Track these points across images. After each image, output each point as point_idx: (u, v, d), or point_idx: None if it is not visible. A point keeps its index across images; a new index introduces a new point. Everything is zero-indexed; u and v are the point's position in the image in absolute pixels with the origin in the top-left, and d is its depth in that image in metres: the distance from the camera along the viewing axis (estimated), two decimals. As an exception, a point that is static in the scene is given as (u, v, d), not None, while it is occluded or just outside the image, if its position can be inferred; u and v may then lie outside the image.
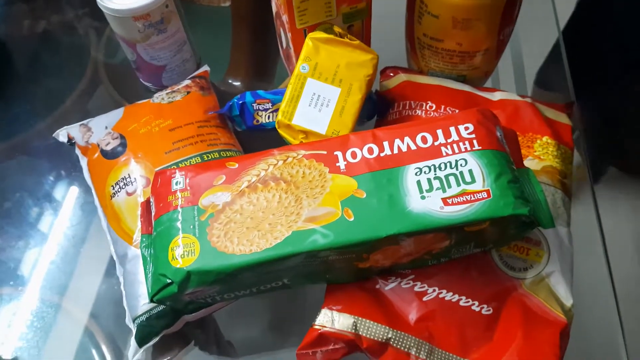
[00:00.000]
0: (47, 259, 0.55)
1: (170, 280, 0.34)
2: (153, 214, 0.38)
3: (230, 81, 0.66)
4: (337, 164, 0.37)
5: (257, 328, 0.50)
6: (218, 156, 0.49)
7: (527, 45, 0.63)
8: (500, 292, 0.40)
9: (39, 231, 0.58)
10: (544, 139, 0.48)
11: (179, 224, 0.36)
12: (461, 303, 0.40)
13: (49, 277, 0.54)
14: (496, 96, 0.51)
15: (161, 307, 0.41)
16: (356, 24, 0.51)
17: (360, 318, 0.38)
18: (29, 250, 0.56)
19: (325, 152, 0.38)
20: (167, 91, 0.54)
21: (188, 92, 0.53)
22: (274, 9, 0.54)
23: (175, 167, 0.47)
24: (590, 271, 0.49)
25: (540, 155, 0.47)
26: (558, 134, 0.49)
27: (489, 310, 0.40)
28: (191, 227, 0.36)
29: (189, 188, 0.38)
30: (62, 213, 0.58)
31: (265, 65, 0.67)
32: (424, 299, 0.40)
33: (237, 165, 0.38)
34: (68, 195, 0.60)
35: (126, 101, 0.63)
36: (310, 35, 0.46)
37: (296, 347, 0.38)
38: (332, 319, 0.38)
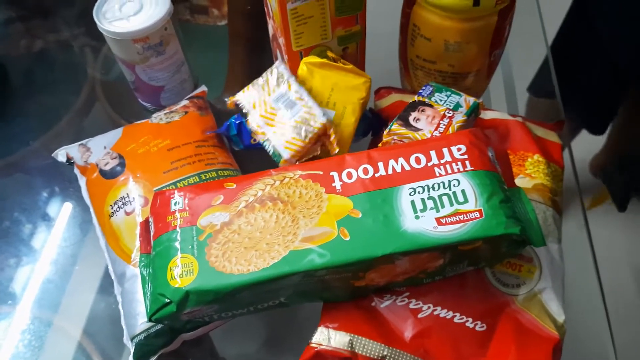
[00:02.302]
0: (43, 277, 0.55)
1: (169, 300, 0.35)
2: (152, 233, 0.39)
3: (226, 99, 0.67)
4: (333, 184, 0.38)
5: (253, 345, 0.51)
6: (216, 175, 0.49)
7: (518, 65, 0.64)
8: (493, 309, 0.41)
9: (35, 249, 0.58)
10: (535, 157, 0.49)
11: (177, 244, 0.37)
12: (455, 320, 0.40)
13: (44, 296, 0.54)
14: (488, 115, 0.52)
15: (159, 325, 0.41)
16: (351, 46, 0.52)
17: (356, 336, 0.39)
18: (25, 269, 0.56)
19: (321, 173, 0.39)
20: (166, 111, 0.55)
21: (186, 112, 0.54)
22: (271, 32, 0.55)
23: (173, 186, 0.47)
24: (582, 287, 0.50)
25: (531, 173, 0.48)
26: (548, 153, 0.50)
27: (483, 326, 0.40)
28: (190, 247, 0.36)
29: (187, 208, 0.38)
30: (58, 231, 0.59)
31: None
32: (419, 316, 0.40)
33: (235, 186, 0.39)
34: (64, 214, 0.60)
35: (123, 119, 0.64)
36: (305, 60, 0.48)
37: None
38: (328, 337, 0.39)
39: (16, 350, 0.51)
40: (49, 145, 0.54)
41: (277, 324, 0.52)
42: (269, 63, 0.62)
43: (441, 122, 0.44)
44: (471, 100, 0.46)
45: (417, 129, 0.45)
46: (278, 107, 0.45)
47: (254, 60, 0.68)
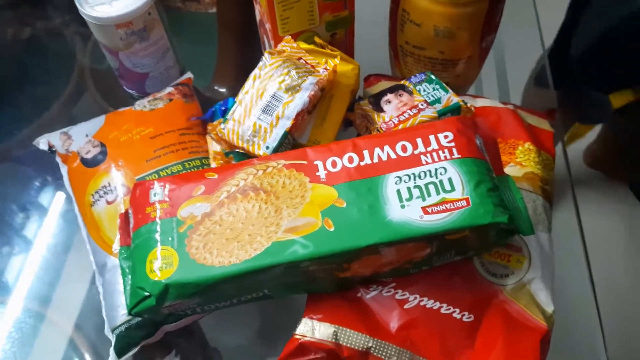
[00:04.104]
0: (30, 268, 0.55)
1: (148, 293, 0.34)
2: (131, 225, 0.38)
3: (216, 88, 0.66)
4: (317, 174, 0.37)
5: (245, 335, 0.50)
6: (200, 164, 0.48)
7: (510, 52, 0.63)
8: (481, 299, 0.40)
9: (22, 239, 0.57)
10: (526, 145, 0.48)
11: (157, 236, 0.36)
12: (442, 310, 0.40)
13: (32, 287, 0.54)
14: (478, 103, 0.51)
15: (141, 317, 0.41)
16: (339, 32, 0.51)
17: (340, 327, 0.38)
18: (12, 259, 0.56)
19: (305, 162, 0.38)
20: (149, 99, 0.53)
21: (170, 100, 0.53)
22: (258, 17, 0.54)
23: (156, 175, 0.46)
24: (572, 277, 0.49)
25: (521, 161, 0.47)
26: (539, 141, 0.49)
27: (470, 317, 0.40)
28: (170, 239, 0.36)
29: (167, 199, 0.37)
30: (46, 221, 0.58)
31: (251, 71, 0.67)
32: (405, 306, 0.39)
33: (216, 176, 0.38)
34: (53, 203, 0.59)
35: (112, 108, 0.63)
36: None
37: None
38: (312, 329, 0.38)
39: (6, 343, 0.50)
40: (38, 134, 0.53)
41: (269, 313, 0.51)
42: (259, 51, 0.61)
43: (408, 111, 0.43)
44: (454, 100, 0.44)
45: (382, 110, 0.44)
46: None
47: (243, 48, 0.67)
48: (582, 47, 0.67)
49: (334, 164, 0.37)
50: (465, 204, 0.35)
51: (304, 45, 0.46)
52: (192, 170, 0.47)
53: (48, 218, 0.58)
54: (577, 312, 0.48)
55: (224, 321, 0.50)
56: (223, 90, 0.65)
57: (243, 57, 0.67)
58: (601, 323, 0.46)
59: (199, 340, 0.50)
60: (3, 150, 0.64)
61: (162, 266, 0.35)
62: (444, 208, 0.35)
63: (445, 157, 0.37)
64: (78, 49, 0.71)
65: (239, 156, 0.43)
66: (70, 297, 0.52)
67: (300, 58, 0.44)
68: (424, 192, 0.35)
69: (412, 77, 0.47)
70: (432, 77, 0.46)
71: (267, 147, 0.39)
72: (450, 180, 0.36)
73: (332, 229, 0.35)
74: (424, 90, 0.45)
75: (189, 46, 0.69)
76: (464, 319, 0.39)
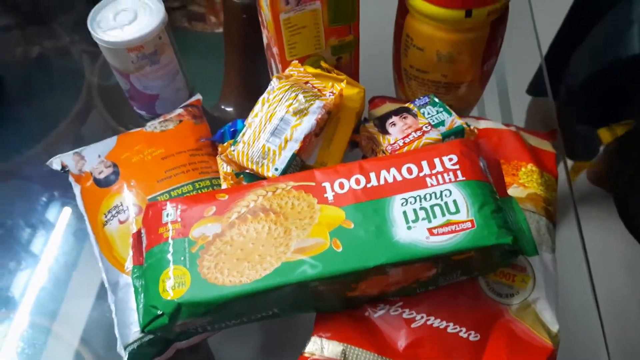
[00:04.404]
0: (41, 284, 0.55)
1: (161, 312, 0.35)
2: (144, 245, 0.39)
3: (223, 107, 0.67)
4: (325, 195, 0.38)
5: (251, 351, 0.51)
6: (209, 184, 0.50)
7: (512, 74, 0.64)
8: (487, 318, 0.41)
9: (29, 255, 0.58)
10: (529, 166, 0.49)
11: (169, 256, 0.37)
12: (449, 330, 0.40)
13: (40, 302, 0.54)
14: (481, 125, 0.52)
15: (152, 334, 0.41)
16: (344, 56, 0.52)
17: (349, 345, 0.39)
18: (23, 275, 0.56)
19: (313, 184, 0.39)
20: (160, 120, 0.55)
21: (180, 121, 0.54)
22: (265, 41, 0.56)
23: (167, 195, 0.47)
24: (576, 296, 0.50)
25: (524, 182, 0.48)
26: (542, 162, 0.50)
27: (477, 336, 0.40)
28: (182, 258, 0.36)
29: (179, 220, 0.38)
30: (52, 237, 0.59)
31: (257, 91, 0.68)
32: (413, 325, 0.40)
33: (227, 197, 0.39)
34: (61, 221, 0.60)
35: (120, 126, 0.64)
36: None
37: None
38: (321, 347, 0.39)
39: (14, 356, 0.51)
40: (46, 152, 0.54)
41: (275, 330, 0.52)
42: (266, 71, 0.62)
43: (413, 133, 0.45)
44: (457, 122, 0.45)
45: (387, 133, 0.45)
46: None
47: (249, 68, 0.68)
48: (573, 86, 0.69)
49: (341, 186, 0.38)
50: (470, 226, 0.36)
51: (310, 70, 0.47)
52: (202, 190, 0.49)
53: (54, 234, 0.59)
54: (581, 330, 0.48)
55: (231, 337, 0.50)
56: (230, 109, 0.67)
57: (249, 77, 0.68)
58: (606, 341, 0.47)
59: (207, 356, 0.50)
60: (12, 167, 0.65)
61: (174, 285, 0.35)
62: (450, 230, 0.36)
63: (450, 179, 0.38)
64: (86, 68, 0.72)
65: (249, 177, 0.44)
66: (77, 312, 0.53)
67: (307, 82, 0.45)
68: (429, 213, 0.36)
69: (417, 100, 0.48)
70: (436, 100, 0.47)
71: (276, 169, 0.41)
72: (455, 202, 0.37)
73: (340, 250, 0.36)
74: (428, 113, 0.46)
75: (195, 65, 0.70)
76: (470, 338, 0.40)
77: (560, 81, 0.71)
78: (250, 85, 0.69)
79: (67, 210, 0.60)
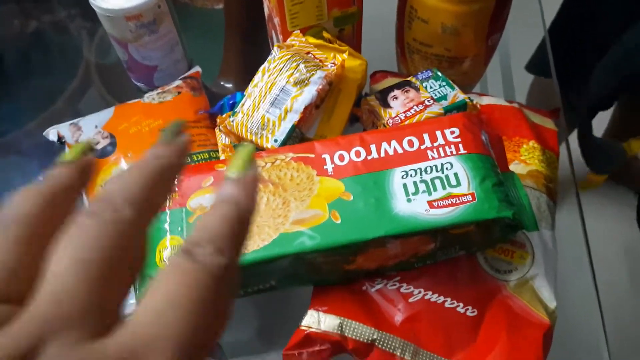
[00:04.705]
0: None
1: (157, 281, 0.35)
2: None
3: (222, 83, 0.66)
4: (325, 167, 0.37)
5: (247, 328, 0.51)
6: (207, 157, 0.49)
7: (516, 51, 0.63)
8: (485, 294, 0.41)
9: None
10: (530, 143, 0.49)
11: (166, 226, 0.36)
12: (446, 304, 0.40)
13: None
14: (484, 101, 0.52)
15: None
16: (347, 28, 0.51)
17: (346, 319, 0.39)
18: None
19: (313, 155, 0.38)
20: (158, 91, 0.54)
21: (179, 93, 0.54)
22: (266, 12, 0.54)
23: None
24: (574, 274, 0.50)
25: (526, 159, 0.48)
26: (544, 139, 0.50)
27: (474, 311, 0.40)
28: (179, 229, 0.36)
29: (177, 190, 0.38)
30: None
31: (257, 67, 0.68)
32: (410, 300, 0.40)
33: (225, 168, 0.38)
34: None
35: (118, 102, 0.63)
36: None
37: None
38: (318, 320, 0.39)
39: None
40: (44, 127, 0.53)
41: (270, 307, 0.52)
42: (265, 46, 0.61)
43: (415, 107, 0.44)
44: (460, 97, 0.45)
45: (388, 106, 0.45)
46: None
47: (249, 44, 0.67)
48: (594, 100, 0.68)
49: (341, 158, 0.38)
50: (471, 199, 0.35)
51: (312, 40, 0.46)
52: (201, 162, 0.48)
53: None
54: (579, 308, 0.48)
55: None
56: (229, 85, 0.66)
57: (249, 53, 0.67)
58: (603, 320, 0.47)
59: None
60: (9, 142, 0.65)
61: (171, 255, 0.35)
62: (450, 202, 0.35)
63: (451, 152, 0.37)
64: (84, 43, 0.71)
65: None
66: None
67: (309, 52, 0.44)
68: (430, 186, 0.36)
69: (419, 73, 0.47)
70: (439, 74, 0.47)
71: (275, 140, 0.40)
72: (456, 175, 0.36)
73: (338, 222, 0.35)
74: (431, 87, 0.46)
75: (196, 42, 0.69)
76: (468, 313, 0.40)
77: (567, 70, 0.70)
78: (250, 61, 0.68)
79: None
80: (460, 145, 0.37)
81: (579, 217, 0.53)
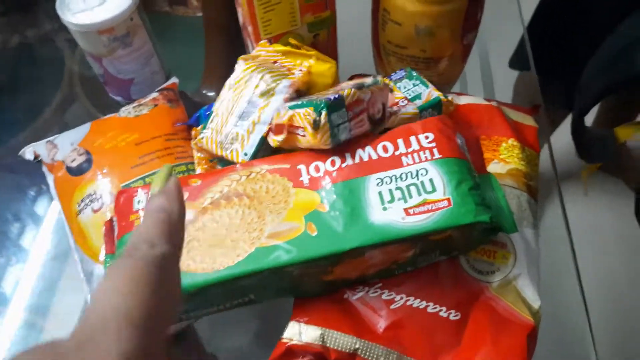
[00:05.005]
0: (26, 278, 0.54)
1: (133, 301, 0.34)
2: (116, 233, 0.38)
3: (204, 91, 0.66)
4: (301, 178, 0.37)
5: (239, 338, 0.50)
6: (185, 169, 0.48)
7: (495, 48, 0.63)
8: (468, 297, 0.41)
9: (16, 248, 0.57)
10: (510, 141, 0.48)
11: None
12: (429, 309, 0.40)
13: (29, 297, 0.53)
14: (462, 100, 0.51)
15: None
16: (322, 33, 0.51)
17: (327, 329, 0.38)
18: (13, 270, 0.55)
19: (288, 166, 0.38)
20: (134, 105, 0.53)
21: (155, 105, 0.53)
22: (241, 20, 0.54)
23: (142, 182, 0.46)
24: (559, 271, 0.50)
25: (505, 158, 0.47)
26: (523, 137, 0.50)
27: (457, 315, 0.40)
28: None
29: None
30: (40, 230, 0.58)
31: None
32: (392, 307, 0.40)
33: (200, 182, 0.38)
34: (48, 212, 0.59)
35: (101, 114, 0.63)
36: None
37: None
38: (299, 332, 0.38)
39: (4, 356, 0.50)
40: (28, 142, 0.53)
41: (263, 316, 0.51)
42: (245, 53, 0.61)
43: (389, 109, 0.43)
44: (434, 94, 0.44)
45: None
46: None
47: (230, 50, 0.67)
48: (585, 102, 0.67)
49: (317, 169, 0.37)
50: (447, 204, 0.35)
51: (279, 48, 0.46)
52: (178, 175, 0.47)
53: (42, 226, 0.58)
54: (564, 306, 0.48)
55: (217, 324, 0.50)
56: (212, 93, 0.65)
57: (230, 60, 0.66)
58: (588, 317, 0.47)
59: (193, 344, 0.50)
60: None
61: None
62: (426, 209, 0.35)
63: (426, 157, 0.37)
64: (67, 56, 0.70)
65: (223, 161, 0.43)
66: (69, 308, 0.52)
67: (276, 61, 0.44)
68: (405, 193, 0.35)
69: (393, 74, 0.47)
70: (413, 73, 0.46)
71: (246, 154, 0.39)
72: (431, 180, 0.36)
73: (315, 234, 0.35)
74: (404, 87, 0.45)
75: (179, 50, 0.69)
76: (451, 317, 0.40)
77: (555, 72, 0.69)
78: (232, 67, 0.67)
79: (54, 201, 0.59)
80: (435, 150, 0.37)
81: (560, 210, 0.53)
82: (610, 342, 0.91)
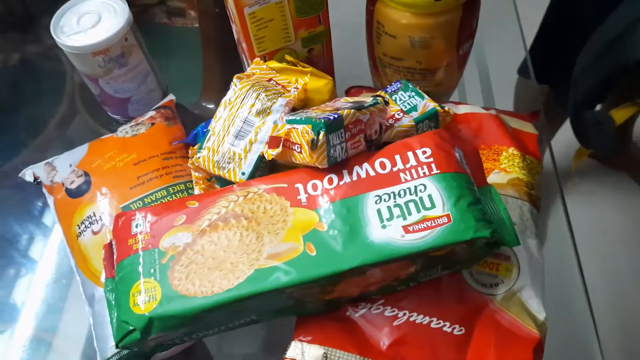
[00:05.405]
0: (37, 296, 0.54)
1: (132, 327, 0.34)
2: (115, 257, 0.38)
3: (204, 104, 0.65)
4: (298, 197, 0.37)
5: (245, 346, 0.50)
6: (184, 188, 0.48)
7: (492, 56, 0.63)
8: (471, 311, 0.40)
9: (22, 265, 0.57)
10: (510, 150, 0.48)
11: (140, 268, 0.36)
12: (432, 325, 0.39)
13: (39, 315, 0.53)
14: (461, 110, 0.51)
15: (132, 348, 0.40)
16: (316, 47, 0.51)
17: (330, 348, 0.38)
18: (19, 286, 0.55)
19: (285, 185, 0.37)
20: (132, 124, 0.53)
21: (152, 124, 0.53)
22: (235, 36, 0.54)
23: (140, 202, 0.46)
24: (564, 280, 0.49)
25: (506, 167, 0.47)
26: (524, 145, 0.49)
27: (461, 330, 0.39)
28: (152, 270, 0.35)
29: (149, 230, 0.37)
30: (49, 248, 0.57)
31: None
32: (395, 323, 0.39)
33: (197, 204, 0.38)
34: (54, 229, 0.59)
35: (105, 129, 0.63)
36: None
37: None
38: (302, 351, 0.38)
39: None
40: (31, 159, 0.53)
41: (269, 324, 0.50)
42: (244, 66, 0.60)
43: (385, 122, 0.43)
44: (430, 105, 0.44)
45: None
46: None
47: (228, 62, 0.67)
48: (579, 94, 0.67)
49: (314, 187, 0.37)
50: (447, 221, 0.35)
51: (274, 65, 0.46)
52: (177, 194, 0.47)
53: (50, 243, 0.58)
54: (570, 316, 0.48)
55: (226, 334, 0.49)
56: (211, 106, 0.65)
57: (228, 72, 0.66)
58: (595, 326, 0.46)
59: (198, 354, 0.49)
60: (2, 174, 0.64)
61: (145, 299, 0.34)
62: (425, 226, 0.35)
63: (424, 173, 0.36)
64: (68, 71, 0.70)
65: (220, 180, 0.43)
66: (77, 325, 0.51)
67: (270, 79, 0.44)
68: (404, 210, 0.35)
69: (389, 86, 0.46)
70: (409, 84, 0.46)
71: (243, 174, 0.39)
72: (430, 197, 0.35)
73: (314, 254, 0.34)
74: (400, 99, 0.45)
75: (178, 62, 0.69)
76: (455, 332, 0.39)
77: (553, 65, 0.69)
78: (230, 79, 0.67)
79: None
80: (433, 165, 0.37)
81: (564, 218, 0.52)
82: (618, 349, 0.89)
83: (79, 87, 0.68)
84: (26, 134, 0.66)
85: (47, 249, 0.57)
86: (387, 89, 0.46)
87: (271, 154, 0.38)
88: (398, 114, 0.44)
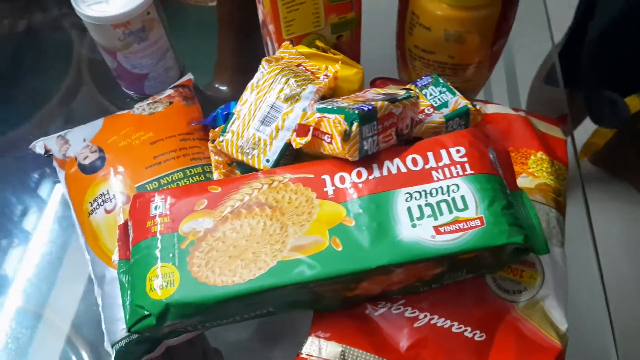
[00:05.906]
0: (30, 268, 0.53)
1: (147, 313, 0.33)
2: (131, 239, 0.36)
3: (217, 86, 0.64)
4: (325, 189, 0.35)
5: (248, 337, 0.49)
6: (201, 171, 0.47)
7: (520, 55, 0.61)
8: (493, 317, 0.39)
9: (18, 238, 0.56)
10: (538, 154, 0.47)
11: (157, 252, 0.34)
12: (453, 329, 0.38)
13: (33, 288, 0.52)
14: (489, 109, 0.50)
15: (141, 333, 0.39)
16: (345, 34, 0.49)
17: (348, 347, 0.37)
18: (13, 259, 0.54)
19: (312, 176, 0.36)
20: (149, 101, 0.52)
21: (170, 103, 0.51)
22: (261, 17, 0.52)
23: (156, 182, 0.45)
24: (585, 291, 0.48)
25: (534, 172, 0.46)
26: (552, 150, 0.48)
27: (482, 336, 0.38)
28: (170, 255, 0.34)
29: (168, 213, 0.36)
30: (43, 220, 0.56)
31: (252, 68, 0.65)
32: (415, 325, 0.38)
33: (220, 190, 0.36)
34: (53, 202, 0.57)
35: (110, 103, 0.61)
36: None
37: (287, 354, 0.36)
38: (319, 348, 0.37)
39: (3, 343, 0.49)
40: (35, 130, 0.51)
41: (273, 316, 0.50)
42: (260, 48, 0.59)
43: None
44: (462, 103, 0.42)
45: None
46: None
47: (243, 45, 0.65)
48: (597, 42, 0.65)
49: (342, 180, 0.36)
50: (479, 224, 0.33)
51: (303, 50, 0.44)
52: (194, 177, 0.46)
53: (46, 217, 0.56)
54: (590, 328, 0.47)
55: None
56: (224, 88, 0.64)
57: (243, 54, 0.65)
58: (614, 338, 0.45)
59: (201, 347, 0.48)
60: (5, 142, 0.62)
61: (162, 284, 0.33)
62: (457, 228, 0.33)
63: (457, 173, 0.35)
64: (75, 42, 0.69)
65: (242, 166, 0.41)
66: (69, 298, 0.51)
67: (299, 65, 0.42)
68: (435, 210, 0.34)
69: (418, 80, 0.45)
70: (439, 79, 0.44)
71: (268, 161, 0.38)
72: (463, 198, 0.34)
73: (340, 249, 0.33)
74: (431, 94, 0.43)
75: (191, 41, 0.67)
76: (476, 338, 0.38)
77: (574, 63, 0.67)
78: (244, 62, 0.66)
79: (58, 192, 0.58)
80: (467, 165, 0.35)
81: (587, 226, 0.51)
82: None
83: (87, 59, 0.67)
84: (29, 105, 0.65)
85: (41, 224, 0.56)
86: (417, 83, 0.45)
87: (300, 142, 0.36)
88: (428, 110, 0.42)
